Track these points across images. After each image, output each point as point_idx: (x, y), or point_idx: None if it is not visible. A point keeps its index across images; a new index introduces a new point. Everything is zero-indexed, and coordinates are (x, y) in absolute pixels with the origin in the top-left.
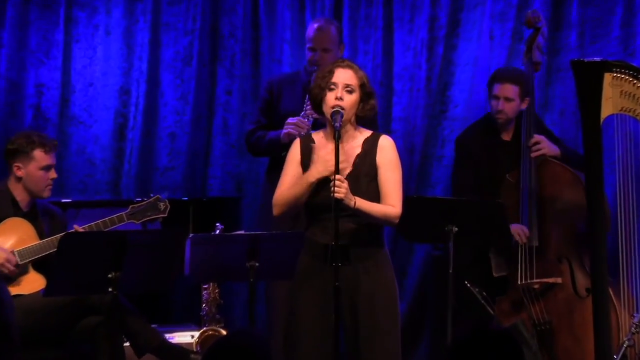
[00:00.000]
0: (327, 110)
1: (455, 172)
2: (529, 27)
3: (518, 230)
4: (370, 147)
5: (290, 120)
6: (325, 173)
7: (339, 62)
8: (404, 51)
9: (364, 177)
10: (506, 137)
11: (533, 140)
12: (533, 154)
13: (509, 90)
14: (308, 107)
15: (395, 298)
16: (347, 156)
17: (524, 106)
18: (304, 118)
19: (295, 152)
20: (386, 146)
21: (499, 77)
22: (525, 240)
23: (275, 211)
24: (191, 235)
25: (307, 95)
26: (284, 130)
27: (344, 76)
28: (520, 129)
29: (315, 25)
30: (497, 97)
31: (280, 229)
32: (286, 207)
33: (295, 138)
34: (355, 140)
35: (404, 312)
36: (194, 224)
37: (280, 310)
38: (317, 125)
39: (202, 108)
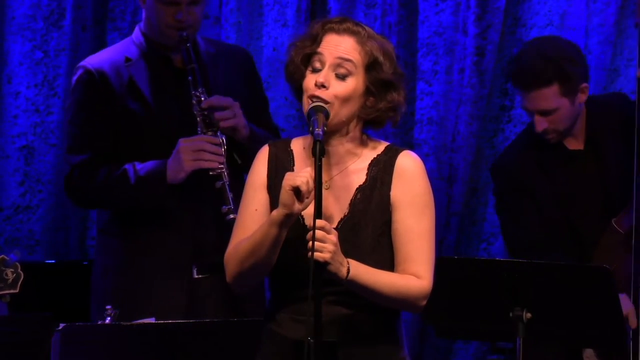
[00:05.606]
0: (305, 104)
1: (507, 229)
2: None
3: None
4: (382, 172)
5: (186, 144)
6: (298, 209)
7: (333, 23)
8: (437, 1)
9: (370, 226)
10: (574, 144)
11: None
12: None
13: (544, 98)
14: (202, 107)
15: None
16: (339, 189)
17: (581, 99)
18: (210, 135)
19: (258, 170)
20: (411, 171)
21: (519, 80)
22: None
23: (228, 277)
24: (62, 325)
25: (196, 89)
26: (190, 160)
27: (337, 47)
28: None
29: None
30: (530, 112)
31: (218, 314)
32: (242, 272)
33: (215, 172)
34: (357, 159)
35: None
36: (67, 306)
37: None
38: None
39: None
